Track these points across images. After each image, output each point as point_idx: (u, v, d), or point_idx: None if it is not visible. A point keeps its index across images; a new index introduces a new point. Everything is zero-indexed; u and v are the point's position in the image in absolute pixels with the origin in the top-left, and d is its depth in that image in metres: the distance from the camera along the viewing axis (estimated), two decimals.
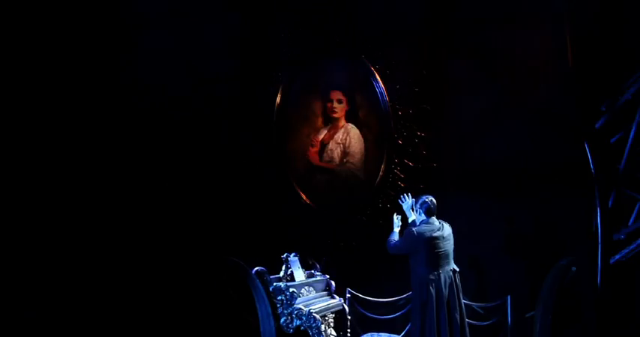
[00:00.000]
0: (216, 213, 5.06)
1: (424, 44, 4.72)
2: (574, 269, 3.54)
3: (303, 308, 3.94)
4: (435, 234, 3.59)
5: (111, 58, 5.27)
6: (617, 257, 3.31)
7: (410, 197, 3.81)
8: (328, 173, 5.23)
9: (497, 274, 4.38)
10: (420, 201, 3.69)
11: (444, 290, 3.54)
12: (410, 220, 3.76)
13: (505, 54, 4.28)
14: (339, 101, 5.19)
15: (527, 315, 4.01)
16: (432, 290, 3.53)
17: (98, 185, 5.08)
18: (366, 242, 4.87)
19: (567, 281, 3.65)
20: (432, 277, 3.55)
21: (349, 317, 4.36)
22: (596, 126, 3.33)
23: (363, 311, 4.52)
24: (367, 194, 5.00)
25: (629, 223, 3.24)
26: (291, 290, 3.97)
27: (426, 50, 4.70)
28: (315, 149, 5.31)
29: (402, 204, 3.85)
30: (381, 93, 4.95)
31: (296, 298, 3.98)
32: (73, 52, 5.04)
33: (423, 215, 3.67)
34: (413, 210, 3.78)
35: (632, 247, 3.19)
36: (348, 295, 4.52)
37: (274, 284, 3.97)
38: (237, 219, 5.04)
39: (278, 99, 5.30)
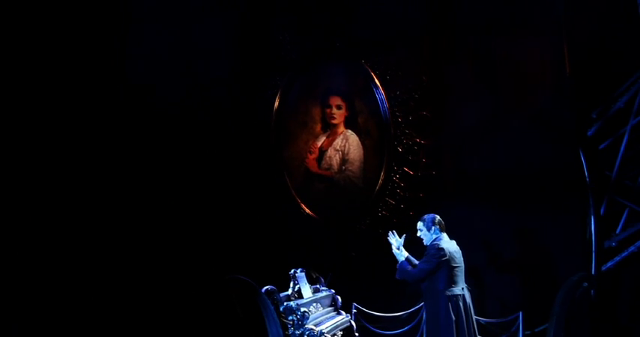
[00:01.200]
0: (210, 224, 5.51)
1: (424, 50, 5.20)
2: (585, 284, 3.90)
3: (314, 328, 4.15)
4: (456, 249, 3.94)
5: (106, 60, 5.73)
6: (608, 264, 3.72)
7: (396, 234, 3.98)
8: (327, 181, 5.69)
9: (499, 285, 4.76)
10: (433, 219, 3.95)
11: (469, 306, 3.88)
12: (402, 259, 3.95)
13: (505, 61, 4.76)
14: (339, 107, 5.66)
15: (536, 330, 4.37)
16: (462, 307, 3.77)
17: (89, 192, 5.50)
18: (365, 252, 5.29)
19: (578, 296, 4.02)
20: (458, 293, 3.81)
21: (357, 334, 4.65)
22: (589, 133, 3.74)
23: (371, 328, 4.89)
24: (366, 202, 5.44)
25: (617, 230, 3.61)
26: (302, 310, 4.16)
27: (426, 56, 5.18)
28: (314, 156, 5.76)
29: (392, 243, 4.00)
30: (380, 99, 5.42)
31: (307, 318, 4.17)
32: (65, 50, 5.43)
33: (437, 232, 3.96)
34: (400, 250, 3.97)
35: (623, 255, 3.58)
36: (354, 310, 4.88)
37: (285, 303, 4.16)
38: (233, 231, 5.49)
39: (276, 104, 5.77)
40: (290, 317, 4.17)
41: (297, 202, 5.70)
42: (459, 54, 4.98)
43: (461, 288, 3.81)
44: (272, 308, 4.15)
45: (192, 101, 5.84)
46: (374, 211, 5.40)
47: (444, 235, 3.94)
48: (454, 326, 3.76)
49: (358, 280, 5.13)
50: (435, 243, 3.89)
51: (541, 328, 4.30)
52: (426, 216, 4.00)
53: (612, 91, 3.84)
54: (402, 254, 3.97)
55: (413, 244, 4.03)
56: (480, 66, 4.85)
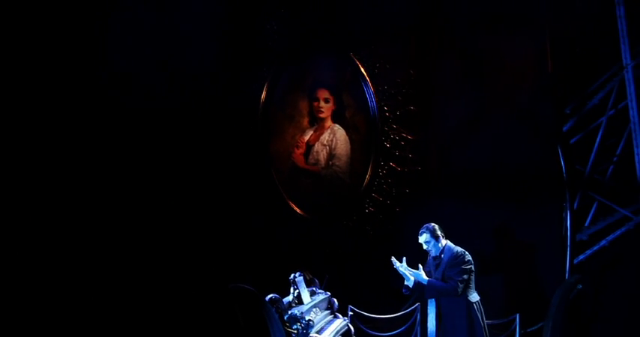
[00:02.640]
0: (193, 221, 6.05)
1: (412, 44, 5.83)
2: (580, 286, 4.52)
3: (317, 336, 4.50)
4: None
5: (82, 48, 6.08)
6: (580, 257, 4.36)
7: (397, 260, 4.40)
8: (313, 176, 6.32)
9: (484, 281, 5.35)
10: (435, 228, 4.39)
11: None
12: (411, 281, 4.37)
13: (491, 57, 5.41)
14: (326, 100, 6.29)
15: (529, 329, 4.99)
16: (483, 311, 4.28)
17: (61, 190, 5.86)
18: (352, 249, 5.90)
19: (572, 297, 4.63)
20: (479, 298, 4.31)
21: None
22: (564, 129, 4.36)
23: (367, 330, 5.39)
24: (353, 199, 6.07)
25: (586, 223, 4.25)
26: (307, 318, 4.48)
27: (414, 50, 5.80)
28: (301, 151, 6.39)
29: (398, 269, 4.40)
30: (369, 93, 6.04)
31: (312, 327, 4.50)
32: (36, 36, 5.75)
33: (441, 239, 4.40)
34: (408, 272, 4.38)
35: (595, 248, 4.21)
36: (350, 313, 5.33)
37: (289, 312, 4.50)
38: (217, 229, 6.06)
39: (263, 97, 6.38)
40: (294, 326, 4.52)
41: (284, 199, 6.30)
42: (447, 49, 5.63)
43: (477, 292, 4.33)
44: (277, 317, 4.48)
45: (174, 92, 6.27)
46: (361, 207, 6.02)
47: (448, 241, 4.44)
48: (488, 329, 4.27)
49: (346, 278, 5.71)
50: (457, 251, 4.37)
51: (535, 328, 4.91)
52: (427, 228, 4.44)
53: (587, 87, 4.46)
54: (420, 274, 4.38)
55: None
56: (466, 61, 5.51)
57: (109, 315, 5.54)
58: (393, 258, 4.41)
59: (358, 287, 5.66)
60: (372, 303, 5.48)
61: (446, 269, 4.44)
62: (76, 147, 6.07)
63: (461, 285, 4.27)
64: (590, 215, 4.55)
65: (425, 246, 4.46)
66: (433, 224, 4.45)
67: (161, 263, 5.97)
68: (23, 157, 5.60)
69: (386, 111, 5.96)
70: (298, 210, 6.25)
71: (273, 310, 4.48)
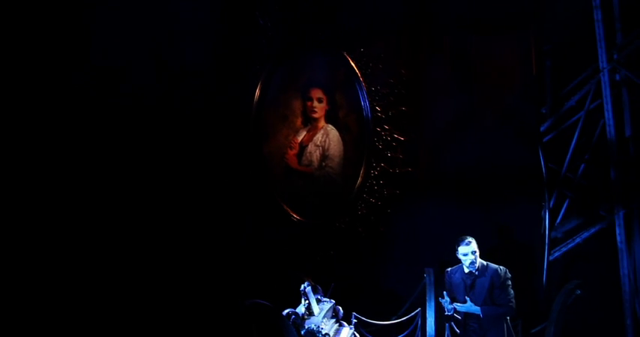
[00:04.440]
0: (184, 222, 7.07)
1: (404, 44, 6.80)
2: (578, 292, 5.44)
3: None
4: None
5: (67, 43, 6.96)
6: (555, 254, 5.33)
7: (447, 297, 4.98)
8: (307, 177, 7.33)
9: None
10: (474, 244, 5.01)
11: None
12: (475, 308, 4.92)
13: (480, 59, 6.42)
14: (320, 100, 7.31)
15: (532, 331, 5.91)
16: None
17: (44, 190, 6.75)
18: (345, 252, 6.87)
19: (570, 301, 5.56)
20: None
21: None
22: (542, 129, 5.31)
23: None
24: (346, 200, 7.06)
25: (558, 220, 5.21)
26: (324, 332, 5.10)
27: (405, 50, 6.77)
28: (294, 152, 7.42)
29: (446, 305, 4.97)
30: (362, 93, 7.04)
31: None
32: (19, 28, 6.52)
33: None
34: (467, 303, 4.92)
35: (570, 245, 5.15)
36: (354, 320, 6.01)
37: (306, 327, 5.09)
38: (209, 231, 7.07)
39: (257, 96, 7.39)
40: None
41: (278, 201, 7.32)
42: (436, 51, 6.65)
43: None
44: (294, 332, 5.03)
45: (166, 90, 7.24)
46: (353, 209, 7.01)
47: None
48: None
49: (342, 282, 6.56)
50: (501, 269, 4.97)
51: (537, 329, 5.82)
52: (471, 238, 5.02)
53: (564, 89, 5.42)
54: (471, 306, 4.96)
55: None
56: (456, 63, 6.51)
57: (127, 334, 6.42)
58: (445, 304, 4.96)
59: (354, 291, 6.56)
60: (368, 306, 6.33)
61: (494, 289, 4.96)
62: (64, 146, 6.87)
63: (514, 303, 4.89)
64: (561, 213, 5.62)
65: (469, 258, 4.95)
66: (470, 237, 5.03)
67: (155, 271, 6.82)
68: (8, 153, 6.41)
69: (378, 111, 6.96)
70: (291, 213, 7.24)
71: (292, 326, 5.08)
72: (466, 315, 5.03)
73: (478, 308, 4.91)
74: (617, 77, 5.45)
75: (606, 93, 5.48)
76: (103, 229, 6.89)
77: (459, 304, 4.97)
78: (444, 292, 5.02)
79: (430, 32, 6.71)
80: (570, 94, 5.71)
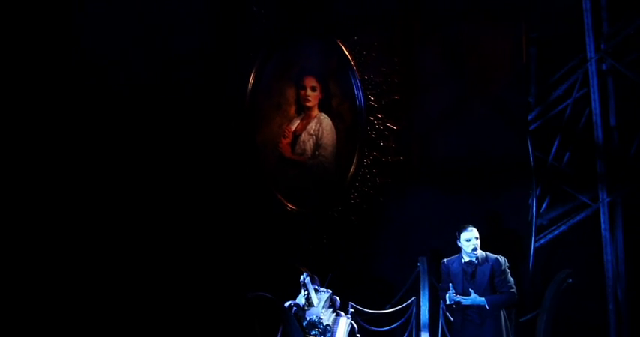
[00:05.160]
0: (177, 214, 7.50)
1: (397, 32, 7.19)
2: (570, 280, 5.87)
3: None
4: None
5: (53, 30, 7.22)
6: (541, 241, 5.77)
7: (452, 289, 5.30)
8: (300, 166, 7.77)
9: None
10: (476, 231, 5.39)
11: None
12: (480, 298, 5.24)
13: (472, 48, 6.81)
14: (313, 88, 7.74)
15: (522, 319, 6.33)
16: None
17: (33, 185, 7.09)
18: (338, 241, 7.31)
19: (562, 289, 5.98)
20: None
21: (359, 335, 6.03)
22: (529, 118, 5.73)
23: (366, 326, 6.51)
24: (339, 189, 7.50)
25: (543, 208, 5.66)
26: (325, 323, 5.42)
27: (399, 38, 7.16)
28: (287, 140, 7.85)
29: (451, 297, 5.28)
30: (356, 82, 7.45)
31: (330, 331, 5.42)
32: (11, 21, 6.73)
33: None
34: (471, 295, 5.23)
35: (555, 232, 5.60)
36: (351, 309, 6.34)
37: (308, 318, 5.40)
38: (202, 221, 7.50)
39: (250, 84, 7.80)
40: (313, 332, 5.43)
41: (271, 190, 7.77)
42: (429, 39, 7.06)
43: None
44: (297, 325, 5.34)
45: (157, 78, 7.57)
46: (346, 198, 7.44)
47: None
48: None
49: (335, 271, 6.97)
50: (499, 257, 5.37)
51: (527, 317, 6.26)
52: (473, 227, 5.40)
53: (551, 76, 5.86)
54: (475, 298, 5.26)
55: None
56: (447, 52, 6.91)
57: (124, 328, 6.70)
58: (451, 296, 5.27)
59: (348, 280, 6.97)
60: (362, 295, 6.73)
61: (494, 278, 5.32)
62: (52, 135, 7.17)
63: (515, 290, 5.30)
64: (546, 201, 6.10)
65: (473, 243, 5.32)
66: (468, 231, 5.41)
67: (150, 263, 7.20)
68: None
69: (371, 100, 7.37)
70: (285, 202, 7.68)
71: (294, 317, 5.41)
72: (465, 306, 5.34)
73: (483, 299, 5.23)
74: (604, 67, 5.91)
75: (593, 82, 5.93)
76: (98, 219, 7.27)
77: (463, 297, 5.26)
78: (449, 284, 5.33)
79: (423, 21, 7.11)
80: (558, 83, 6.15)
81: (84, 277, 7.00)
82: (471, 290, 5.27)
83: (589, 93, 5.94)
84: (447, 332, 6.39)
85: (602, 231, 5.79)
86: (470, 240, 5.39)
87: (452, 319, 5.87)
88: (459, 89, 6.88)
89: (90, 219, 7.22)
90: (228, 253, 7.36)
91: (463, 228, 5.48)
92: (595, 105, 5.85)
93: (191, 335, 6.75)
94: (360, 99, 7.35)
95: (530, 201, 6.17)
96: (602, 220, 5.79)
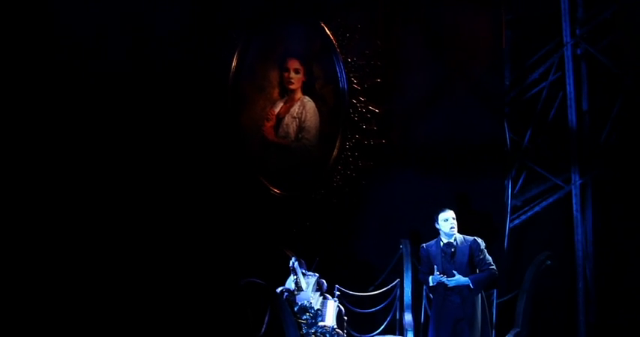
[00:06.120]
0: (159, 196, 8.01)
1: (380, 14, 7.72)
2: (549, 262, 6.46)
3: (326, 324, 5.84)
4: None
5: (27, 8, 7.48)
6: (515, 222, 6.38)
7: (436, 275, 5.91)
8: (283, 149, 8.32)
9: None
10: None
11: None
12: (464, 278, 5.85)
13: (453, 31, 7.36)
14: (296, 71, 8.28)
15: (500, 300, 6.92)
16: None
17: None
18: (321, 224, 7.90)
19: (541, 271, 6.57)
20: None
21: (346, 318, 6.54)
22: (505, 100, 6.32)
23: (352, 308, 6.85)
24: (322, 172, 8.08)
25: (516, 189, 6.26)
26: (316, 308, 5.84)
27: (381, 21, 7.69)
28: (271, 123, 8.41)
29: (436, 279, 5.92)
30: (338, 64, 7.99)
31: (320, 316, 5.82)
32: None
33: None
34: (455, 276, 5.84)
35: (530, 213, 6.19)
36: (337, 292, 6.72)
37: (298, 303, 5.82)
38: (185, 205, 8.02)
39: (233, 65, 8.31)
40: (304, 316, 5.83)
41: (255, 174, 8.32)
42: (411, 22, 7.60)
43: None
44: (289, 310, 5.73)
45: (139, 58, 8.01)
46: (329, 181, 8.03)
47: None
48: None
49: (320, 255, 7.52)
50: (474, 237, 5.99)
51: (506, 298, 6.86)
52: (448, 208, 6.06)
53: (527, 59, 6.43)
54: (460, 278, 5.87)
55: None
56: (429, 35, 7.46)
57: (113, 315, 7.08)
58: (436, 277, 5.91)
59: (332, 263, 7.52)
60: (345, 278, 7.27)
61: (474, 258, 5.97)
62: (28, 119, 7.47)
63: (495, 267, 5.91)
64: (520, 182, 6.73)
65: (450, 223, 5.99)
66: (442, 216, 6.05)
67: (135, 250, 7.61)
68: None
69: (354, 83, 7.92)
70: (269, 186, 8.23)
71: (286, 303, 5.82)
72: (446, 288, 5.97)
73: (467, 278, 5.86)
74: (579, 51, 6.50)
75: (569, 67, 6.53)
76: (77, 205, 7.67)
77: (447, 278, 5.89)
78: (434, 266, 5.96)
79: (405, 3, 7.65)
80: (534, 67, 6.76)
81: (68, 262, 7.46)
82: (455, 272, 5.91)
83: (564, 78, 6.56)
84: (429, 312, 6.91)
85: (574, 212, 6.43)
86: (447, 219, 6.08)
87: (431, 296, 6.49)
88: (440, 72, 7.48)
89: (70, 206, 7.60)
90: (213, 238, 7.88)
91: (440, 210, 6.18)
92: (570, 89, 6.46)
93: (182, 323, 7.20)
94: (343, 82, 7.90)
95: (505, 182, 6.81)
96: (574, 201, 6.44)
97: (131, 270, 7.51)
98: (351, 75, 7.86)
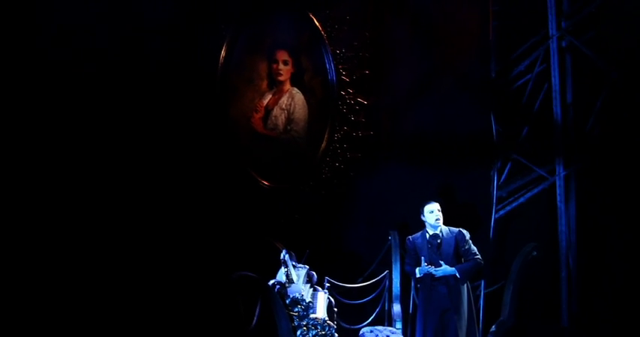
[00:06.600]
0: (148, 188, 8.20)
1: (369, 6, 8.02)
2: (535, 253, 6.80)
3: (318, 316, 6.13)
4: None
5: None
6: (501, 213, 6.72)
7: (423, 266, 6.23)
8: (272, 141, 8.59)
9: None
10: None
11: None
12: (450, 268, 6.20)
13: (441, 22, 7.67)
14: (285, 62, 8.55)
15: (487, 290, 7.26)
16: None
17: None
18: (309, 216, 8.20)
19: (527, 261, 6.89)
20: None
21: (336, 309, 6.79)
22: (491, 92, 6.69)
23: (341, 299, 7.05)
24: (310, 164, 8.37)
25: (501, 180, 6.60)
26: (307, 300, 6.12)
27: (370, 12, 7.97)
28: (260, 115, 8.67)
29: (423, 269, 6.24)
30: (327, 56, 8.28)
31: (311, 308, 6.10)
32: None
33: None
34: (442, 266, 6.17)
35: (515, 204, 6.53)
36: (327, 284, 6.95)
37: (290, 296, 6.09)
38: (175, 198, 8.23)
39: (222, 57, 8.57)
40: (296, 309, 6.10)
41: (244, 166, 8.58)
42: (400, 13, 7.89)
43: None
44: (281, 302, 5.98)
45: (126, 49, 7.85)
46: (317, 173, 8.32)
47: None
48: None
49: (305, 246, 7.83)
50: (459, 229, 6.30)
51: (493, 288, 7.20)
52: (433, 201, 6.39)
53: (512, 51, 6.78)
54: (446, 267, 6.19)
55: None
56: (417, 26, 7.76)
57: (104, 308, 7.20)
58: (423, 268, 6.22)
59: (321, 255, 7.73)
60: (335, 269, 7.52)
61: (459, 248, 6.30)
62: (15, 110, 7.51)
63: (480, 257, 6.23)
64: (505, 173, 7.09)
65: (436, 215, 6.33)
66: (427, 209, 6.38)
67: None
68: None
69: (343, 74, 8.20)
70: (258, 178, 8.48)
71: (278, 296, 6.07)
72: (433, 280, 6.29)
73: (453, 268, 6.19)
74: (564, 44, 6.83)
75: (554, 60, 6.86)
76: (64, 197, 7.76)
77: (435, 269, 6.21)
78: (421, 258, 6.27)
79: None
80: (520, 59, 7.11)
81: (52, 252, 7.55)
82: (442, 262, 6.23)
83: (549, 70, 6.90)
84: (417, 303, 7.16)
85: (558, 203, 6.79)
86: (433, 211, 6.46)
87: (418, 285, 6.77)
88: (428, 64, 7.79)
89: (55, 197, 7.66)
90: (202, 230, 8.07)
91: (425, 202, 6.55)
92: (555, 81, 6.80)
93: (173, 316, 7.31)
94: (332, 74, 8.18)
95: (491, 173, 7.16)
96: (558, 193, 6.79)
97: (121, 264, 7.65)
98: (340, 66, 8.14)
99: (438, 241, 6.36)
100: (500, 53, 7.27)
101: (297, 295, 6.23)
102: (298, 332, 6.19)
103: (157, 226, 7.94)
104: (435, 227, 6.39)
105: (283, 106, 8.51)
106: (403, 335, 6.50)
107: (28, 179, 7.61)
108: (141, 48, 8.18)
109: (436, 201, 6.48)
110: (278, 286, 6.35)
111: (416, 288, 6.97)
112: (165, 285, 7.63)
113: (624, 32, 6.74)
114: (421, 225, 6.62)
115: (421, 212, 6.51)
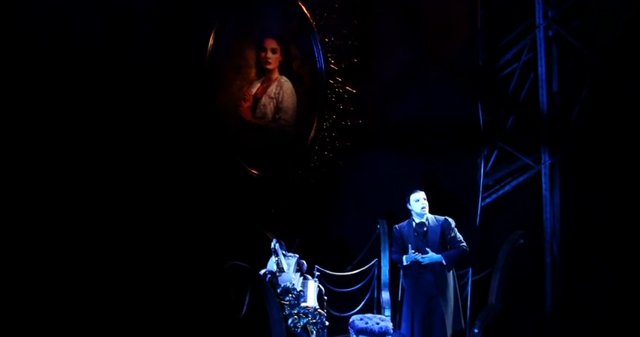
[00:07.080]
0: (136, 178, 8.52)
1: None
2: (521, 241, 7.11)
3: (308, 305, 6.38)
4: None
5: None
6: (487, 200, 7.07)
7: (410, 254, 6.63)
8: (260, 130, 8.88)
9: None
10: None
11: None
12: (436, 256, 6.60)
13: (430, 10, 7.91)
14: (274, 51, 8.83)
15: (474, 278, 7.55)
16: None
17: None
18: (298, 204, 8.48)
19: (514, 249, 7.21)
20: None
21: (326, 297, 7.01)
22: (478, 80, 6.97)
23: (331, 287, 7.31)
24: (299, 153, 8.66)
25: (488, 168, 6.92)
26: (299, 289, 6.38)
27: (359, 0, 8.21)
28: (248, 104, 8.96)
29: (410, 257, 6.66)
30: (316, 44, 8.55)
31: (302, 297, 6.34)
32: None
33: None
34: (427, 253, 6.59)
35: (501, 192, 6.86)
36: (317, 273, 7.19)
37: (281, 285, 6.34)
38: (162, 187, 8.54)
39: (210, 45, 8.83)
40: (287, 298, 6.33)
41: (232, 155, 8.87)
42: (388, 1, 8.16)
43: None
44: (273, 292, 6.20)
45: (108, 39, 8.16)
46: (306, 161, 8.62)
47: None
48: None
49: (294, 235, 8.10)
50: (444, 217, 6.68)
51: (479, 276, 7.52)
52: (419, 190, 6.76)
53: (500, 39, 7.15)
54: (432, 254, 6.58)
55: None
56: (405, 14, 8.02)
57: (95, 300, 7.43)
58: (410, 255, 6.61)
59: (310, 243, 8.01)
60: (323, 257, 7.81)
61: (445, 236, 6.67)
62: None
63: (466, 244, 6.63)
64: (491, 161, 7.41)
65: (422, 203, 6.70)
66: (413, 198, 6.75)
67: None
68: None
69: (331, 63, 8.48)
70: (247, 167, 8.79)
71: (269, 285, 6.33)
72: (420, 267, 6.64)
73: (440, 255, 6.58)
74: (550, 33, 7.10)
75: (541, 49, 7.14)
76: (50, 191, 8.00)
77: (421, 255, 6.59)
78: (408, 245, 6.63)
79: None
80: (507, 48, 7.39)
81: (47, 246, 7.83)
82: (428, 249, 6.60)
83: (536, 59, 7.18)
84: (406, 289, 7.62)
85: (543, 191, 7.09)
86: (419, 200, 6.86)
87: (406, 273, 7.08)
88: (417, 52, 8.07)
89: (45, 191, 7.91)
90: (191, 219, 8.39)
91: (411, 191, 6.93)
92: (541, 70, 7.08)
93: (163, 306, 7.54)
94: (321, 63, 8.46)
95: (478, 161, 7.44)
96: (543, 181, 7.10)
97: (111, 255, 7.90)
98: (329, 55, 8.42)
99: (425, 229, 6.71)
100: (487, 42, 7.53)
101: (288, 284, 6.48)
102: (289, 321, 6.44)
103: (146, 216, 8.23)
104: (421, 215, 6.74)
105: (272, 95, 8.79)
106: (392, 322, 6.76)
107: (11, 166, 7.80)
108: (128, 35, 8.49)
109: (422, 190, 6.83)
110: (269, 275, 6.59)
111: (404, 275, 7.32)
112: (156, 275, 7.94)
113: (610, 22, 7.03)
114: (408, 214, 6.97)
115: (407, 201, 6.87)
